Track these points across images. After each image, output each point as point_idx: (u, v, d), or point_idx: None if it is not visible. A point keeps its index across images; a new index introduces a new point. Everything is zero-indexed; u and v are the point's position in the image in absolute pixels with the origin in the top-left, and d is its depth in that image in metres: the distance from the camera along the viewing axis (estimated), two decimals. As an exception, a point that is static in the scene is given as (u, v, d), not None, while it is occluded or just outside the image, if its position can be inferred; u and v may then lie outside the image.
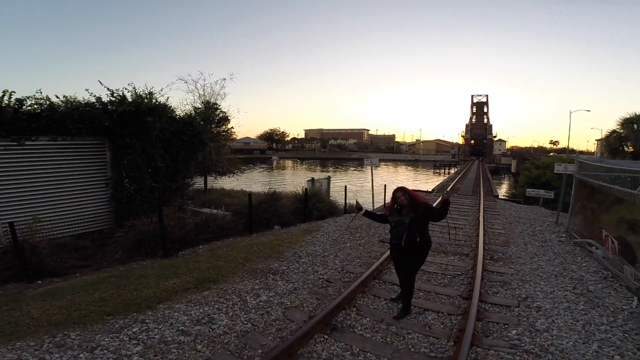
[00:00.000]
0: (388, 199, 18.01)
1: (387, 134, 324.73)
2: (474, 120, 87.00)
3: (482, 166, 45.25)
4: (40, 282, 7.77)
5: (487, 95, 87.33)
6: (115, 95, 9.17)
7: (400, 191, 4.60)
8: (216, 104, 15.66)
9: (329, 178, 19.90)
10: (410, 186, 30.72)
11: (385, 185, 16.00)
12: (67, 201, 8.98)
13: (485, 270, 7.09)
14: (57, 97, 8.29)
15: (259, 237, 9.34)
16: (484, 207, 13.05)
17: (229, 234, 10.05)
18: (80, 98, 9.39)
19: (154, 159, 9.40)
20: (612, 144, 23.52)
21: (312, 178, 18.66)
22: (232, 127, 18.66)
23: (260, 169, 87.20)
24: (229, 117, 17.08)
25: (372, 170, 13.61)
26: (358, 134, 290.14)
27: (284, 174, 71.20)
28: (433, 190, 17.92)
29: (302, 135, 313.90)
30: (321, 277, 6.67)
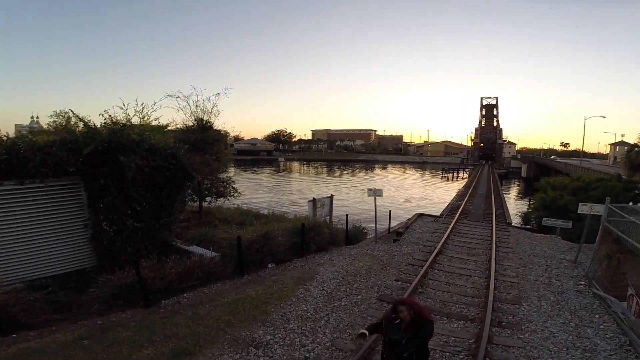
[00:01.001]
0: (394, 223, 17.20)
1: (394, 134, 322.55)
2: (483, 123, 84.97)
3: (492, 174, 43.87)
4: (15, 335, 7.37)
5: (496, 98, 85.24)
6: (88, 125, 8.57)
7: (405, 305, 3.77)
8: (209, 122, 14.87)
9: (331, 197, 19.11)
10: (417, 194, 29.82)
11: (390, 212, 15.15)
12: (43, 244, 8.48)
13: (490, 343, 6.29)
14: (17, 138, 7.74)
15: (247, 288, 8.65)
16: (496, 242, 12.11)
17: (217, 278, 9.40)
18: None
19: (133, 200, 8.76)
20: (633, 160, 22.23)
21: (314, 199, 17.90)
22: (226, 147, 17.92)
23: (267, 172, 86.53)
24: (225, 133, 16.35)
25: (375, 200, 12.81)
26: (365, 134, 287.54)
27: (290, 178, 70.58)
28: (442, 214, 16.91)
29: (309, 135, 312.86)
30: (307, 355, 5.95)
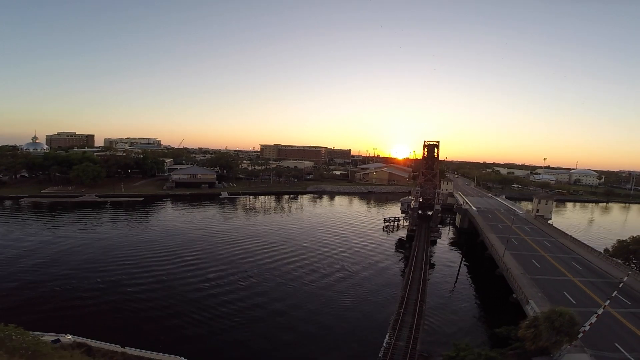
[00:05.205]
0: None
1: (343, 148, 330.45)
2: (424, 166, 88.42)
3: (425, 262, 44.97)
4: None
5: (438, 142, 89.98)
6: None
7: None
8: None
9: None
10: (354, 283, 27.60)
11: None
12: None
13: None
14: None
15: None
16: None
17: None
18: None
19: None
20: None
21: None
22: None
23: (208, 215, 77.94)
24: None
25: None
26: (315, 151, 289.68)
27: (236, 230, 64.89)
28: None
29: (257, 148, 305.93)
30: None
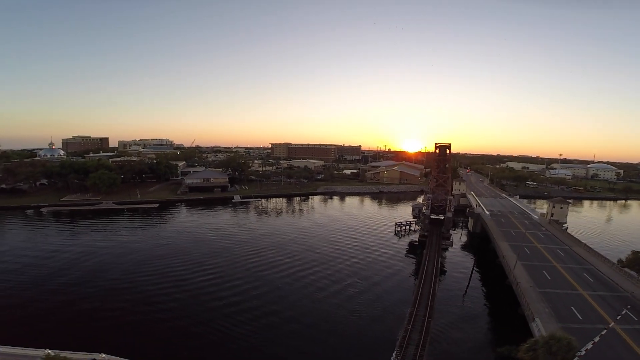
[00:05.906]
0: None
1: (353, 145, 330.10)
2: (436, 169, 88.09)
3: (435, 269, 45.54)
4: None
5: (450, 144, 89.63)
6: None
7: None
8: None
9: None
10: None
11: None
12: None
13: None
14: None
15: None
16: None
17: None
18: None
19: None
20: None
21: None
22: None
23: (221, 220, 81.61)
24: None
25: None
26: (325, 149, 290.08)
27: (251, 240, 66.66)
28: None
29: (268, 146, 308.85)
30: None
